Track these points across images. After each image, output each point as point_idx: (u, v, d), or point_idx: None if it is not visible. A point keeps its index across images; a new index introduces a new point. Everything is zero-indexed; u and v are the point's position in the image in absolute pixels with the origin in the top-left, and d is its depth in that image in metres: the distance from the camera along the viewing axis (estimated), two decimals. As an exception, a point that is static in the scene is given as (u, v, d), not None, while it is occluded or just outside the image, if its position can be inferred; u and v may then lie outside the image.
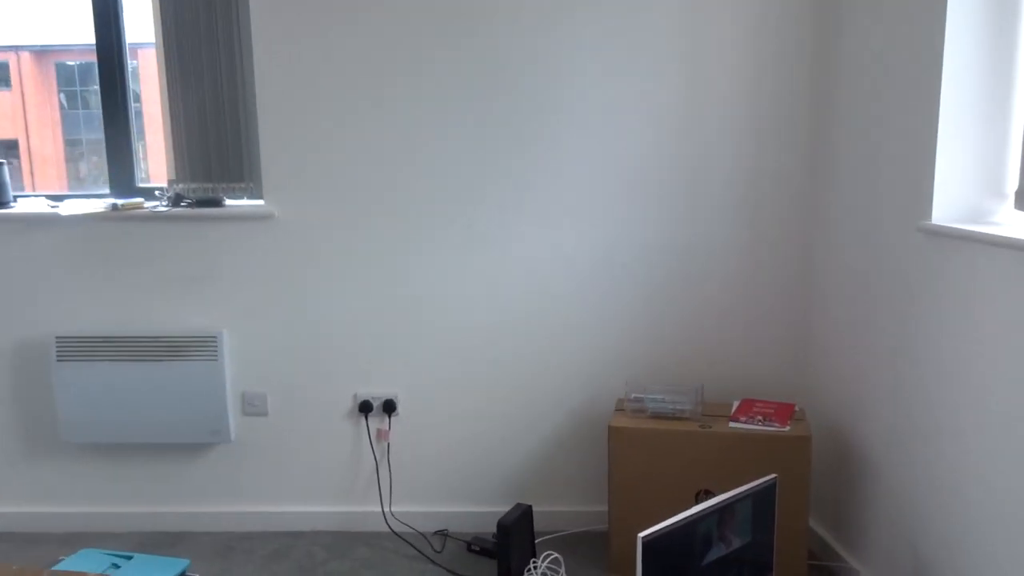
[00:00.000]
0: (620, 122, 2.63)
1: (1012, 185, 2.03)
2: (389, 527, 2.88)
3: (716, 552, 2.06)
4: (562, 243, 2.71)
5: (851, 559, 2.48)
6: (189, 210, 2.70)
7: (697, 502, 2.43)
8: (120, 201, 2.73)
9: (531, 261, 2.73)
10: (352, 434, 2.85)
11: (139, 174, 2.93)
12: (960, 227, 1.92)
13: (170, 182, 2.79)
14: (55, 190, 2.85)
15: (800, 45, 2.59)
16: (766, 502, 2.17)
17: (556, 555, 2.63)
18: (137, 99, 2.90)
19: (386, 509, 2.88)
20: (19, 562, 2.71)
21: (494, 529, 2.71)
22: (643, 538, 1.88)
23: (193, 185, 2.78)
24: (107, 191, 2.90)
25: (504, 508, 2.85)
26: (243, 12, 2.66)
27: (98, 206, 2.73)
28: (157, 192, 2.84)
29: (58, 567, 2.61)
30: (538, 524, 2.83)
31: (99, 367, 2.74)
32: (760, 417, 2.47)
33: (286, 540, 2.83)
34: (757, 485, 2.14)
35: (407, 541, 2.80)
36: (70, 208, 2.72)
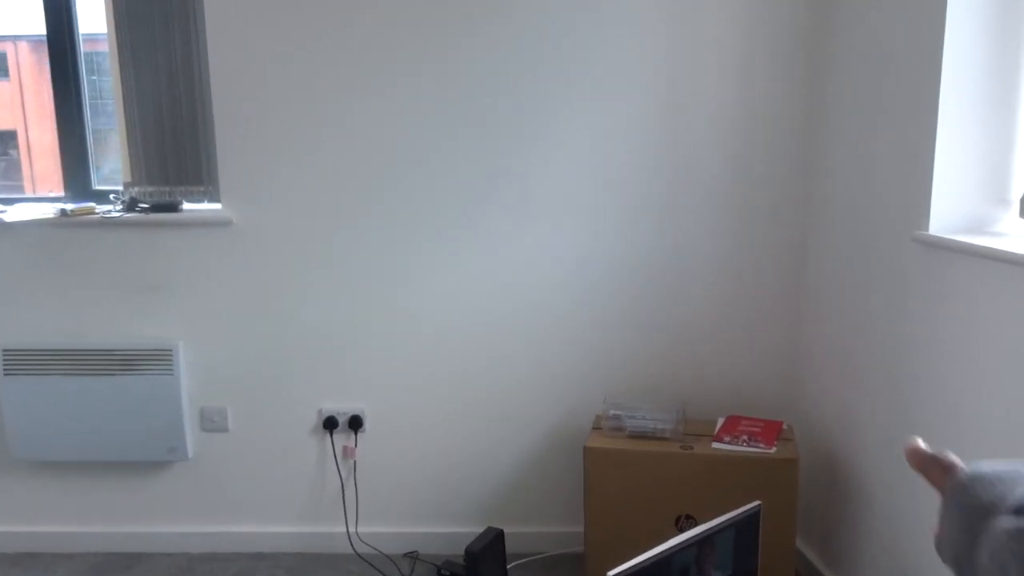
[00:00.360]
0: (600, 126, 2.48)
1: (1017, 192, 1.89)
2: (354, 549, 2.73)
3: (694, 587, 1.91)
4: (539, 252, 2.56)
5: (842, 588, 2.34)
6: (142, 216, 2.55)
7: (678, 528, 2.29)
8: (70, 206, 2.58)
9: (506, 270, 2.57)
10: (317, 451, 2.71)
11: (98, 176, 2.78)
12: (959, 239, 1.77)
13: (126, 185, 2.65)
14: (54, 181, 2.73)
15: (793, 45, 2.43)
16: (749, 532, 2.02)
17: (530, 582, 2.49)
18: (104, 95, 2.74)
19: (352, 530, 2.73)
20: (-37, 587, 2.56)
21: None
22: (613, 576, 1.73)
23: (150, 188, 2.64)
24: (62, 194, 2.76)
25: (478, 529, 2.69)
26: (199, 5, 2.50)
27: (47, 212, 2.58)
28: (112, 196, 2.69)
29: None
30: (513, 546, 2.68)
31: (49, 381, 2.59)
32: (746, 437, 2.32)
33: (247, 562, 2.69)
34: (739, 514, 1.99)
35: (373, 565, 2.65)
36: (17, 214, 2.57)
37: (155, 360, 2.58)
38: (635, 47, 2.43)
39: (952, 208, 1.88)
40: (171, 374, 2.59)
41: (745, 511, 2.01)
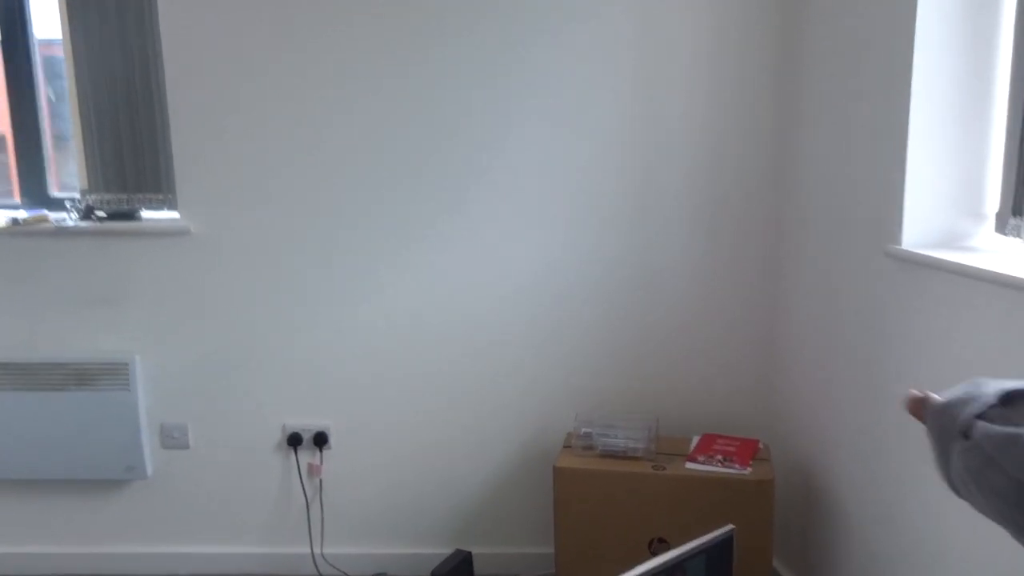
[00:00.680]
0: (569, 138, 2.42)
1: (992, 206, 1.84)
2: (319, 571, 2.64)
3: (664, 615, 1.84)
4: (507, 266, 2.49)
5: (817, 611, 2.28)
6: (98, 224, 2.46)
7: (651, 551, 2.22)
8: (23, 215, 2.48)
9: (474, 283, 2.50)
10: (281, 469, 2.62)
11: (58, 183, 2.69)
12: (931, 254, 1.72)
13: (82, 192, 2.55)
14: (66, 187, 2.64)
15: (764, 56, 2.38)
16: (722, 557, 1.96)
17: (498, 605, 2.41)
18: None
19: (317, 551, 2.65)
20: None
21: None
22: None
23: (107, 196, 2.54)
24: (17, 201, 2.66)
25: (446, 550, 2.62)
26: (155, 5, 2.42)
27: (-3, 220, 2.48)
28: (68, 203, 2.59)
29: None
30: (482, 567, 2.60)
31: (0, 396, 2.49)
32: (720, 456, 2.26)
33: (208, 585, 2.60)
34: (711, 539, 1.93)
35: (338, 587, 2.57)
36: (-35, 222, 2.47)
37: (111, 374, 2.49)
38: (605, 58, 2.37)
39: (925, 222, 1.83)
40: (127, 389, 2.49)
41: (718, 536, 1.94)
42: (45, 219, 2.49)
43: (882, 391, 1.94)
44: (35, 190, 2.66)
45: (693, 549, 1.87)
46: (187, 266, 2.49)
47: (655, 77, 2.39)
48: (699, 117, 2.41)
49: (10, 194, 2.75)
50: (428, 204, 2.46)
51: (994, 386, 0.64)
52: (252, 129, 2.42)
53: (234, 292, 2.51)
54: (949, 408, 0.65)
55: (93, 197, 2.54)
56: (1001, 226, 1.80)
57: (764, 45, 2.37)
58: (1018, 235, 1.73)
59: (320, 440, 2.59)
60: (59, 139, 2.71)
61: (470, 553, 2.32)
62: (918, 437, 1.77)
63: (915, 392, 0.72)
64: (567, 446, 2.36)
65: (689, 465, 2.22)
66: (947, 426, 0.63)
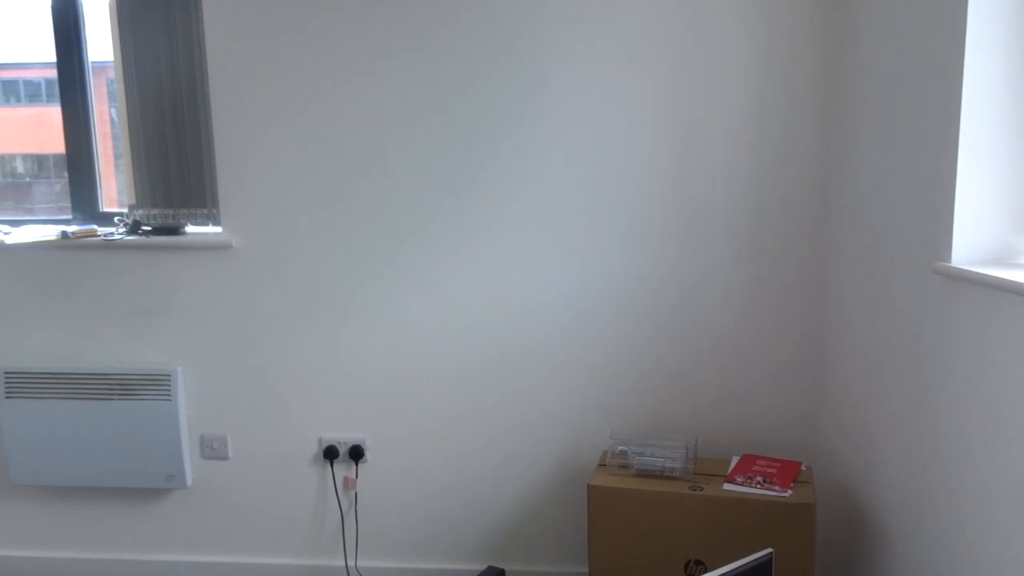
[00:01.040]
0: (609, 148, 2.40)
1: (1047, 222, 1.76)
2: (353, 585, 2.64)
3: (699, 640, 1.79)
4: (544, 282, 2.48)
5: (863, 642, 2.19)
6: (143, 239, 2.52)
7: (687, 573, 2.16)
8: (72, 229, 2.56)
9: (512, 301, 2.49)
10: (317, 481, 2.63)
11: (108, 198, 2.77)
12: (982, 271, 1.65)
13: (131, 207, 2.63)
14: (103, 202, 2.75)
15: (808, 69, 2.34)
16: (760, 581, 1.90)
17: (531, 625, 2.38)
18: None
19: (351, 564, 2.65)
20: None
21: (466, 592, 2.47)
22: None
23: (154, 211, 2.61)
24: (69, 216, 2.75)
25: (479, 566, 2.60)
26: (202, 30, 2.48)
27: (49, 234, 2.56)
28: (116, 218, 2.67)
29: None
30: (516, 586, 2.58)
31: (48, 405, 2.56)
32: (760, 478, 2.20)
33: (244, 595, 2.62)
34: (749, 562, 1.87)
35: (371, 602, 2.57)
36: (19, 236, 2.56)
37: (154, 385, 2.54)
38: (647, 74, 2.36)
39: (976, 238, 1.76)
40: (170, 400, 2.54)
41: (756, 559, 1.89)
42: (94, 233, 2.56)
43: (931, 413, 1.86)
44: (86, 205, 2.74)
45: (730, 572, 1.82)
46: (229, 280, 2.53)
47: (697, 93, 2.36)
48: (742, 132, 2.37)
49: (59, 210, 2.85)
50: (465, 221, 2.46)
51: None
52: (293, 148, 2.46)
53: (273, 306, 2.54)
54: None
55: (140, 212, 2.60)
56: (1056, 242, 1.73)
57: (809, 60, 2.33)
58: (1074, 252, 1.66)
59: (356, 453, 2.60)
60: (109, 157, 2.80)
61: (503, 571, 2.30)
62: (969, 464, 1.70)
63: None
64: (602, 464, 2.32)
65: (727, 486, 2.16)
66: None
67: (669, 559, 2.17)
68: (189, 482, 2.62)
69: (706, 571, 2.18)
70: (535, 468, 2.57)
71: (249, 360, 2.58)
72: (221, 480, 2.65)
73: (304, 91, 2.43)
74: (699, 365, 2.49)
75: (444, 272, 2.49)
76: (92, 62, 2.72)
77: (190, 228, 2.62)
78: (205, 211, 2.61)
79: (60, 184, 2.95)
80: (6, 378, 2.56)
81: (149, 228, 2.58)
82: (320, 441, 2.61)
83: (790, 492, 2.11)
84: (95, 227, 2.60)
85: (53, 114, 2.76)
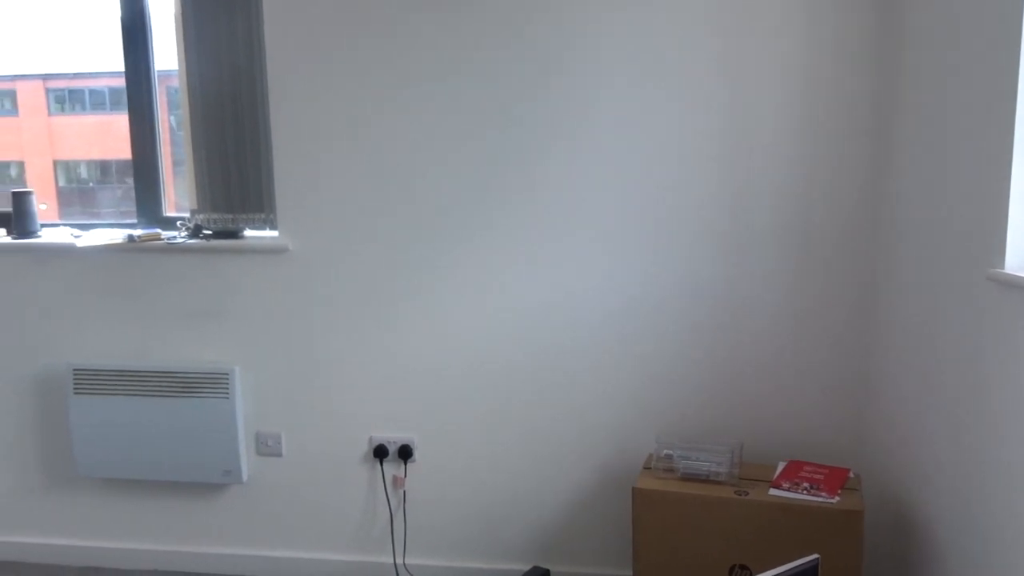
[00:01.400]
0: (652, 149, 2.42)
1: (1105, 228, 1.73)
2: (401, 582, 2.70)
3: (744, 644, 1.80)
4: (591, 284, 2.50)
5: (912, 653, 2.16)
6: (203, 242, 2.63)
7: (731, 578, 2.17)
8: (137, 232, 2.68)
9: (559, 305, 2.53)
10: (367, 479, 2.70)
11: (173, 203, 2.89)
12: (1038, 278, 1.63)
13: (192, 212, 2.73)
14: (163, 205, 2.88)
15: (861, 69, 2.32)
16: (806, 587, 1.89)
17: (575, 625, 2.40)
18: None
19: (399, 561, 2.71)
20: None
21: (511, 591, 2.50)
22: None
23: (214, 216, 2.71)
24: (134, 220, 2.87)
25: (524, 566, 2.64)
26: (262, 42, 2.58)
27: (115, 237, 2.68)
28: (178, 223, 2.78)
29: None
30: (561, 587, 2.61)
31: (114, 401, 2.68)
32: (807, 484, 2.19)
33: (296, 589, 2.70)
34: (795, 567, 1.87)
35: (419, 598, 2.62)
36: (88, 239, 2.69)
37: (213, 383, 2.64)
38: (697, 86, 2.37)
39: (1032, 245, 1.74)
40: (227, 398, 2.64)
41: (802, 564, 1.88)
42: (158, 236, 2.67)
43: (983, 423, 1.84)
44: (151, 210, 2.86)
45: (775, 577, 1.82)
46: (284, 282, 2.62)
47: (747, 104, 2.36)
48: (793, 136, 2.37)
49: (121, 215, 2.98)
50: (509, 228, 2.50)
51: None
52: (346, 157, 2.54)
53: (327, 308, 2.62)
54: None
55: (201, 217, 2.71)
56: (1115, 249, 1.69)
57: (859, 65, 2.32)
58: None
59: (405, 453, 2.66)
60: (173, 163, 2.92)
61: (548, 571, 2.33)
62: (1021, 475, 1.68)
63: None
64: (647, 468, 2.34)
65: (773, 491, 2.16)
66: None
67: (714, 564, 2.17)
68: (245, 478, 2.71)
69: (751, 576, 2.17)
70: (580, 469, 2.60)
71: (303, 360, 2.66)
72: (275, 476, 2.73)
73: (358, 103, 2.51)
74: (745, 370, 2.48)
75: (490, 277, 2.54)
76: (157, 71, 2.84)
77: (248, 232, 2.71)
78: (263, 216, 2.70)
79: (122, 189, 3.08)
80: (74, 375, 2.69)
81: (209, 232, 2.68)
82: (370, 440, 2.68)
83: (837, 499, 2.10)
84: (159, 231, 2.71)
85: (116, 122, 2.88)
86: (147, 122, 2.81)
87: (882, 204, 2.35)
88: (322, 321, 2.63)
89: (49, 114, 3.25)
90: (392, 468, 2.69)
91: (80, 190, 3.28)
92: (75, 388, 2.69)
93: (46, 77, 3.19)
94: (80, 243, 2.64)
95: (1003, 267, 1.75)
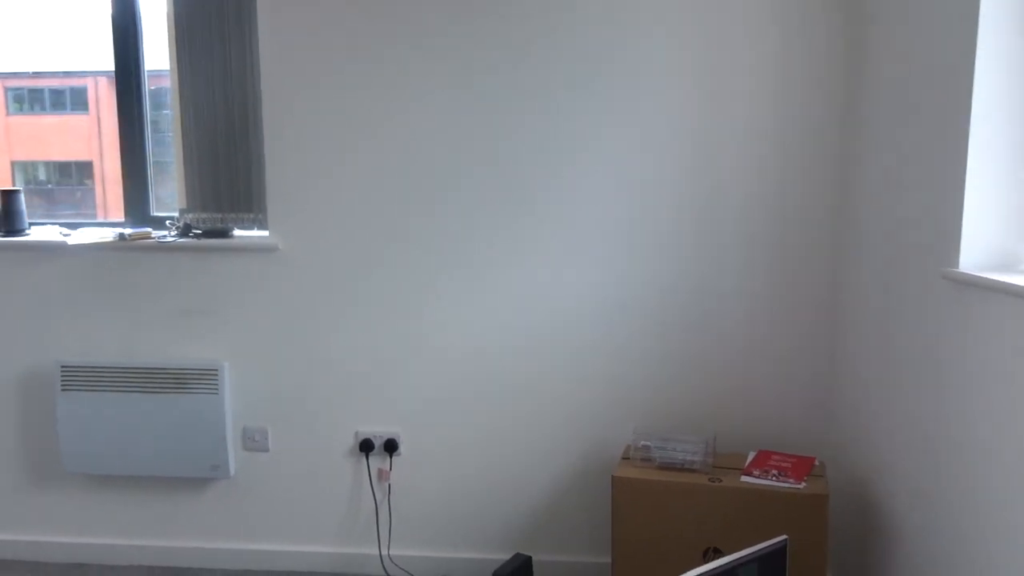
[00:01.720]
0: (630, 161, 2.54)
1: (1049, 230, 1.88)
2: (386, 571, 2.78)
3: (718, 619, 1.91)
4: (571, 282, 2.61)
5: (874, 630, 2.30)
6: (194, 241, 2.68)
7: (705, 561, 2.28)
8: (128, 231, 2.73)
9: (538, 300, 2.63)
10: (353, 473, 2.78)
11: (159, 202, 2.93)
12: (989, 276, 1.77)
13: (181, 211, 2.79)
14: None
15: (824, 81, 2.47)
16: (775, 566, 2.02)
17: (557, 610, 2.50)
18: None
19: (384, 552, 2.79)
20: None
21: (494, 579, 2.59)
22: (634, 603, 1.75)
23: (203, 215, 2.77)
24: (122, 220, 2.91)
25: (507, 555, 2.73)
26: (255, 43, 2.65)
27: (106, 236, 2.73)
28: (168, 222, 2.83)
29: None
30: (541, 574, 2.70)
31: (102, 397, 2.72)
32: (775, 471, 2.32)
33: (282, 580, 2.76)
34: (765, 548, 1.99)
35: (404, 587, 2.70)
36: (78, 237, 2.73)
37: (202, 380, 2.69)
38: (669, 93, 2.50)
39: (983, 245, 1.88)
40: (216, 393, 2.69)
41: (771, 545, 2.01)
42: (148, 235, 2.72)
43: (939, 412, 1.98)
44: (138, 210, 2.90)
45: (746, 556, 1.94)
46: (274, 281, 2.69)
47: (717, 119, 2.49)
48: (760, 142, 2.50)
49: (93, 215, 2.96)
50: (497, 228, 2.60)
51: None
52: (338, 158, 2.62)
53: (315, 306, 2.69)
54: None
55: (191, 216, 2.76)
56: (1057, 249, 1.84)
57: (824, 75, 2.46)
58: (1074, 258, 1.77)
59: (390, 447, 2.73)
60: (157, 163, 2.96)
61: (530, 557, 2.42)
62: (979, 459, 1.82)
63: None
64: (625, 458, 2.45)
65: (744, 478, 2.28)
66: None
67: (689, 547, 2.29)
68: (232, 472, 2.77)
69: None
70: (561, 462, 2.70)
71: (290, 357, 2.73)
72: (262, 471, 2.80)
73: (350, 104, 2.59)
74: (717, 366, 2.61)
75: (473, 277, 2.63)
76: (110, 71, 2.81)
77: (237, 232, 2.77)
78: (251, 215, 2.77)
79: (81, 191, 3.08)
80: (62, 372, 2.72)
81: (199, 231, 2.74)
82: (356, 435, 2.75)
83: (804, 484, 2.23)
84: (150, 230, 2.76)
85: (77, 122, 2.89)
86: (136, 122, 2.86)
87: (845, 210, 2.50)
88: (310, 319, 2.70)
89: (8, 114, 3.22)
90: (378, 462, 2.76)
91: (39, 192, 3.25)
92: (63, 384, 2.72)
93: (5, 76, 3.15)
94: (71, 241, 2.68)
95: (957, 267, 1.89)
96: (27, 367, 2.81)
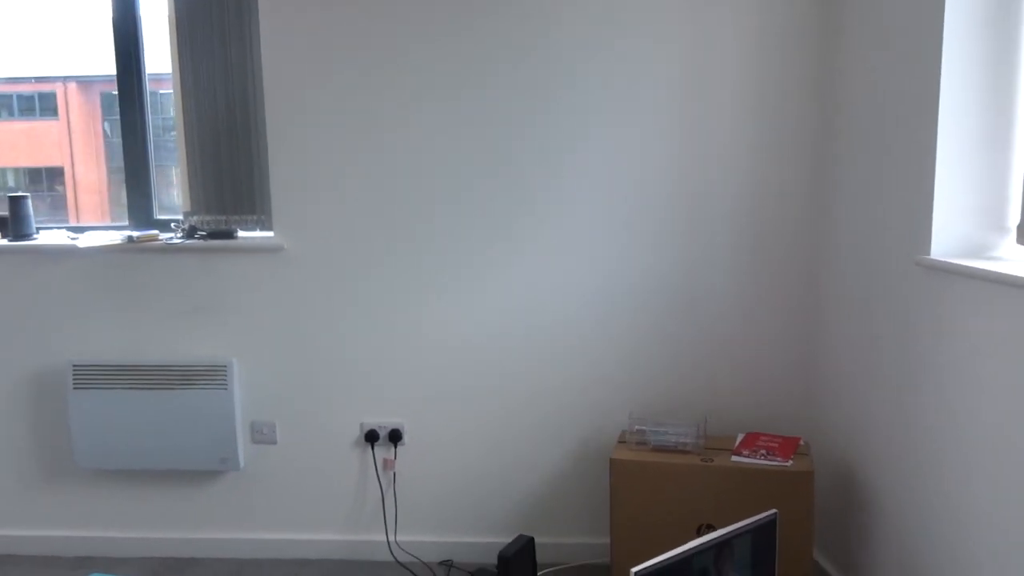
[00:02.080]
0: (623, 162, 2.66)
1: (1014, 219, 2.02)
2: (394, 557, 2.89)
3: (714, 588, 2.04)
4: (567, 277, 2.73)
5: (857, 597, 2.44)
6: (201, 242, 2.77)
7: (699, 536, 2.41)
8: (136, 233, 2.81)
9: (536, 295, 2.75)
10: (359, 463, 2.88)
11: (167, 204, 3.00)
12: (958, 262, 1.91)
13: (185, 214, 2.87)
14: (97, 216, 2.90)
15: (803, 78, 2.60)
16: (766, 538, 2.15)
17: (559, 588, 2.63)
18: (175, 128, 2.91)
19: (391, 538, 2.90)
20: (32, 586, 2.75)
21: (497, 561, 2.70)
22: (636, 573, 1.87)
23: (207, 217, 2.85)
24: (126, 222, 2.99)
25: (509, 539, 2.85)
26: (257, 46, 2.73)
27: (115, 238, 2.81)
28: (173, 224, 2.91)
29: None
30: (542, 556, 2.83)
31: (113, 395, 2.80)
32: (764, 451, 2.46)
33: (293, 568, 2.86)
34: (756, 521, 2.12)
35: (411, 571, 2.81)
36: (88, 240, 2.80)
37: (211, 376, 2.78)
38: (658, 97, 2.62)
39: (952, 234, 2.02)
40: (225, 389, 2.78)
41: (762, 518, 2.14)
42: (155, 237, 2.81)
43: (914, 390, 2.12)
44: (141, 213, 2.98)
45: (740, 528, 2.07)
46: (279, 279, 2.78)
47: (703, 122, 2.62)
48: (744, 142, 2.63)
49: (65, 221, 2.97)
50: (495, 226, 2.72)
51: None
52: (340, 159, 2.71)
53: (320, 303, 2.79)
54: None
55: (195, 218, 2.85)
56: (1022, 237, 1.98)
57: (803, 77, 2.60)
58: (1036, 245, 1.91)
59: (394, 437, 2.84)
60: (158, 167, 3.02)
61: (532, 538, 2.54)
62: (948, 433, 1.96)
63: None
64: (622, 441, 2.57)
65: (735, 458, 2.41)
66: None
67: (683, 524, 2.42)
68: (242, 465, 2.86)
69: (717, 535, 2.42)
70: (560, 447, 2.82)
71: (296, 353, 2.82)
72: (270, 463, 2.89)
73: (352, 105, 2.69)
74: (707, 354, 2.74)
75: (472, 274, 2.75)
76: (101, 75, 2.83)
77: (240, 233, 2.86)
78: (254, 217, 2.85)
79: (52, 197, 3.10)
80: (74, 371, 2.80)
81: (204, 233, 2.82)
82: (362, 426, 2.86)
83: (791, 462, 2.37)
84: (157, 232, 2.84)
85: (47, 128, 2.90)
86: (139, 126, 2.92)
87: (823, 204, 2.64)
88: (315, 316, 2.80)
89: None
90: (383, 452, 2.87)
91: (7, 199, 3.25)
92: (75, 383, 2.80)
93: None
94: (81, 244, 2.76)
95: (929, 254, 2.03)
96: (40, 367, 2.89)
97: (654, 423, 2.57)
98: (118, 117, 2.81)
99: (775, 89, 2.61)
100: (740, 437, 2.59)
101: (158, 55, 2.89)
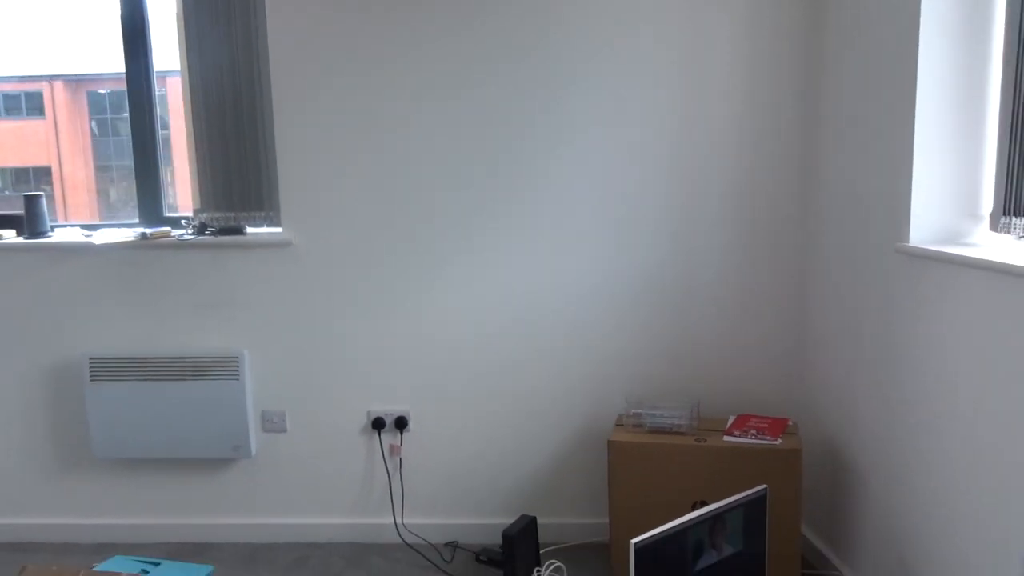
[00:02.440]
0: (616, 151, 2.77)
1: (987, 207, 2.14)
2: (401, 538, 3.00)
3: (708, 559, 2.16)
4: (565, 270, 2.84)
5: (843, 567, 2.57)
6: (212, 238, 2.87)
7: (694, 513, 2.53)
8: (149, 230, 2.90)
9: (536, 285, 2.86)
10: (366, 449, 2.99)
11: (166, 202, 3.09)
12: (936, 248, 2.03)
13: (195, 211, 2.96)
14: (86, 215, 2.95)
15: (789, 79, 2.71)
16: (757, 512, 2.27)
17: (559, 564, 2.75)
18: (165, 127, 2.99)
19: (398, 521, 3.01)
20: (54, 571, 2.86)
21: (501, 540, 2.82)
22: (635, 544, 1.99)
23: (216, 214, 2.95)
24: (136, 220, 3.08)
25: (512, 519, 2.97)
26: (264, 43, 2.82)
27: (129, 235, 2.90)
28: (183, 221, 3.01)
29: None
30: (543, 536, 2.95)
31: (129, 386, 2.90)
32: (754, 431, 2.58)
33: (305, 550, 2.97)
34: (747, 495, 2.24)
35: (419, 552, 2.93)
36: (103, 237, 2.90)
37: (223, 367, 2.89)
38: (652, 97, 2.73)
39: (930, 222, 2.14)
40: (237, 379, 2.89)
41: (753, 493, 2.26)
42: (167, 234, 2.90)
43: (897, 373, 2.24)
44: (151, 211, 3.07)
45: (732, 503, 2.20)
46: (288, 273, 2.89)
47: (695, 122, 2.73)
48: (733, 137, 2.74)
49: (52, 216, 2.99)
50: (499, 218, 2.82)
51: None
52: (347, 156, 2.81)
53: (327, 296, 2.90)
54: None
55: (204, 215, 2.94)
56: (994, 224, 2.10)
57: (790, 78, 2.71)
58: (1008, 231, 2.03)
59: (401, 424, 2.95)
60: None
61: (535, 517, 2.66)
62: (928, 413, 2.08)
63: None
64: (619, 424, 2.69)
65: (727, 438, 2.53)
66: None
67: (679, 501, 2.54)
68: (253, 452, 2.97)
69: (711, 512, 2.54)
70: (560, 430, 2.94)
71: (305, 344, 2.93)
72: (281, 450, 3.00)
73: (356, 104, 2.79)
74: (699, 340, 2.86)
75: (477, 267, 2.85)
76: (90, 73, 2.91)
77: (249, 229, 2.96)
78: (262, 213, 2.95)
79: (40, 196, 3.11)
80: (90, 364, 2.90)
81: (214, 229, 2.92)
82: (369, 414, 2.97)
83: (780, 441, 2.49)
84: (169, 229, 2.94)
85: (34, 128, 2.94)
86: (148, 123, 3.01)
87: (810, 196, 2.75)
88: (323, 308, 2.91)
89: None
90: (389, 438, 2.98)
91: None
92: (91, 376, 2.90)
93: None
94: (97, 241, 2.85)
95: (908, 241, 2.15)
96: (56, 360, 2.99)
97: (650, 406, 2.68)
98: (106, 116, 2.84)
99: (766, 88, 2.72)
100: (731, 419, 2.71)
101: (158, 55, 2.96)
